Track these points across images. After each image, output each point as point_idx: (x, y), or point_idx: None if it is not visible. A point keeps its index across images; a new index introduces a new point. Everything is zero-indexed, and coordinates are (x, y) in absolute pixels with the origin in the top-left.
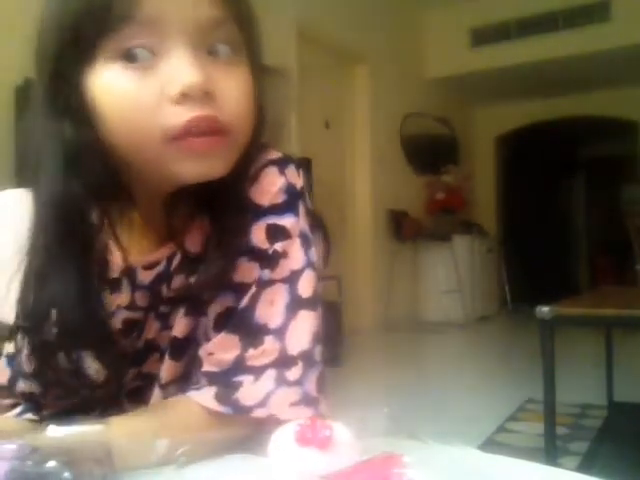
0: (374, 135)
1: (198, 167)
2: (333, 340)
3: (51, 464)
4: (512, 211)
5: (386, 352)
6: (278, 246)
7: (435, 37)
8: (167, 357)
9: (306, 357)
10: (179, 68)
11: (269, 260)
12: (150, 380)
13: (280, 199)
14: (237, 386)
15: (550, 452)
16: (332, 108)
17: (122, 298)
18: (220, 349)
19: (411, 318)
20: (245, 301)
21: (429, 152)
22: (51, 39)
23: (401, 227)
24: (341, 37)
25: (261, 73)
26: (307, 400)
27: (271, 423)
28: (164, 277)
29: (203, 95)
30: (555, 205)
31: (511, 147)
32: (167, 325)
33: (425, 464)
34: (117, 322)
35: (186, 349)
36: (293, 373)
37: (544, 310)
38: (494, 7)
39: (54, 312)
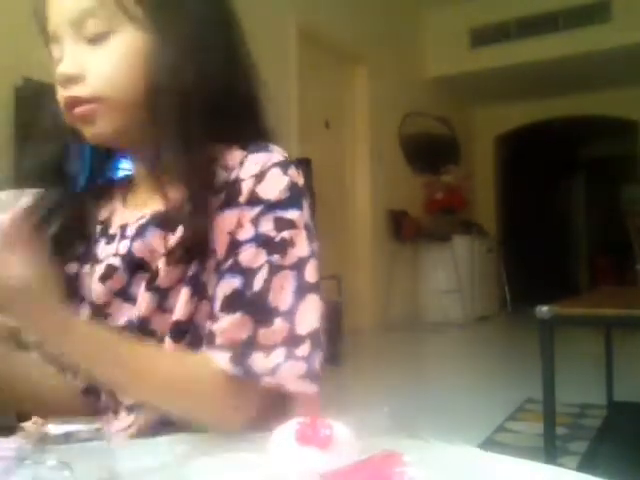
0: (374, 135)
1: (88, 130)
2: (333, 340)
3: (51, 464)
4: (512, 211)
5: (386, 352)
6: (286, 234)
7: (435, 37)
8: (168, 339)
9: (314, 336)
10: (60, 64)
11: (276, 246)
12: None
13: (285, 195)
14: (249, 355)
15: (550, 452)
16: (332, 108)
17: (112, 248)
18: (233, 329)
19: (411, 318)
20: (257, 285)
21: (429, 152)
22: None
23: (401, 227)
24: (341, 37)
25: (174, 33)
26: (312, 375)
27: (277, 395)
28: (144, 229)
29: (67, 80)
30: (555, 205)
31: (511, 147)
32: (163, 307)
33: (425, 463)
34: (101, 268)
35: (186, 332)
36: (302, 350)
37: (544, 310)
38: (494, 7)
39: None
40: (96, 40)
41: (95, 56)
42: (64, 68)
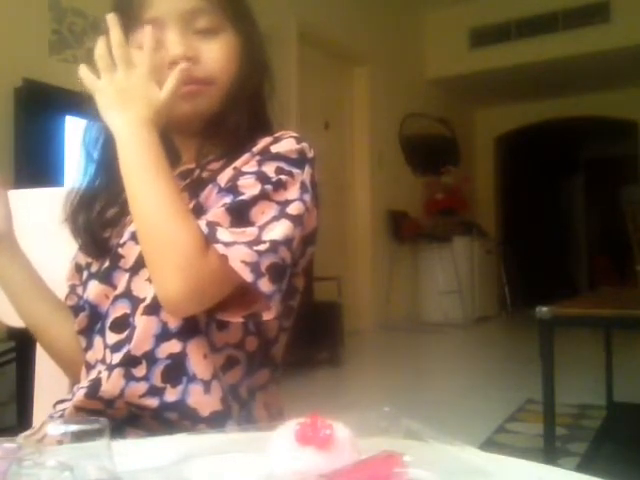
0: (374, 136)
1: (190, 105)
2: (333, 340)
3: (51, 464)
4: (512, 212)
5: (386, 352)
6: (282, 177)
7: (435, 38)
8: None
9: (273, 244)
10: (170, 46)
11: (271, 183)
12: (135, 305)
13: (293, 155)
14: (219, 230)
15: (549, 453)
16: (332, 109)
17: None
18: (214, 217)
19: (411, 318)
20: (246, 197)
21: (429, 153)
22: None
23: (400, 228)
24: (341, 38)
25: (249, 40)
26: (255, 269)
27: (222, 268)
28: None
29: (186, 60)
30: (555, 205)
31: (511, 148)
32: None
33: (425, 463)
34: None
35: None
36: (259, 247)
37: (543, 310)
38: (494, 8)
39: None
40: (206, 33)
41: (208, 46)
42: (179, 50)
